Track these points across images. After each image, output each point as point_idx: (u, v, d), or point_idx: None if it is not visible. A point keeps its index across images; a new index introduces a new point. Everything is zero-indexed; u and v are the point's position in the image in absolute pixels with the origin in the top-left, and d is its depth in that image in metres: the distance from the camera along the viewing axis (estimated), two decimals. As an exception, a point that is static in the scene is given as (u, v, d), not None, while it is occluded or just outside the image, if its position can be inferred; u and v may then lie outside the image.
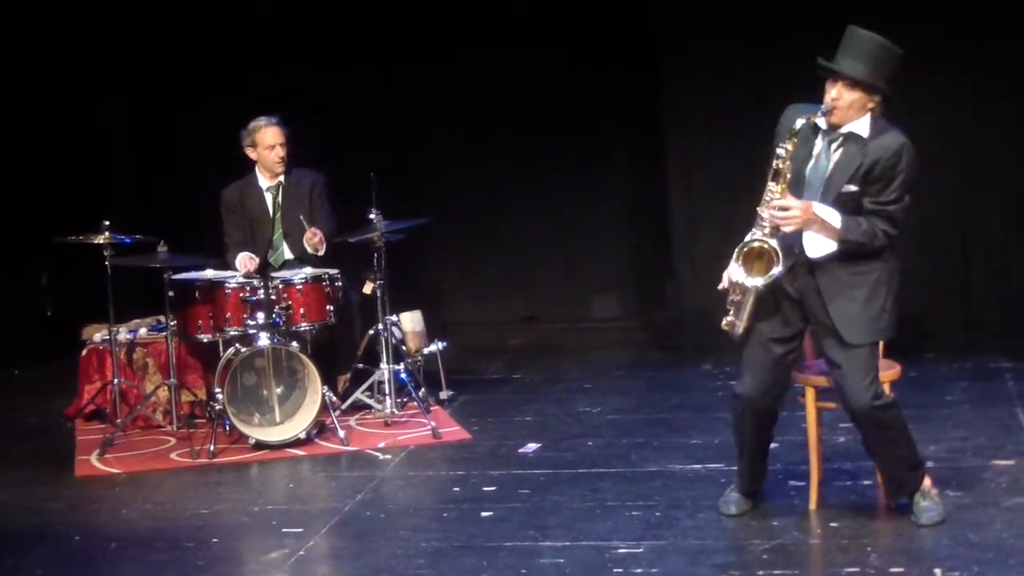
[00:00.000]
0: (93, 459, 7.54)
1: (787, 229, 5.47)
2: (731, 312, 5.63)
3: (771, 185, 5.51)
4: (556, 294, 11.06)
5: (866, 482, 6.26)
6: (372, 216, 7.94)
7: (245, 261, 8.06)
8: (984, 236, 9.27)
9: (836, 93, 5.46)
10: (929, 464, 5.93)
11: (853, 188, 5.48)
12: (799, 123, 5.49)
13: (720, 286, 5.69)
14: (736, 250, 5.55)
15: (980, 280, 9.29)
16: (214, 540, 6.08)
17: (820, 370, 5.88)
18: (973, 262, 9.29)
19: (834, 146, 5.55)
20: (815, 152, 5.57)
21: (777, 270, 5.47)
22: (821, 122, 5.56)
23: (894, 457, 5.68)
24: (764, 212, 5.52)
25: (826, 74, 5.51)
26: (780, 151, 5.50)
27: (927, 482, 5.76)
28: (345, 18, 10.47)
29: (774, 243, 5.48)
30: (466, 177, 10.71)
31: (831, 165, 5.54)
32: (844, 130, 5.52)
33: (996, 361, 8.70)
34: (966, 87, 9.09)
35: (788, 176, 5.50)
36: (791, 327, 5.67)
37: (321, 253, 8.08)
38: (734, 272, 5.56)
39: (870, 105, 5.50)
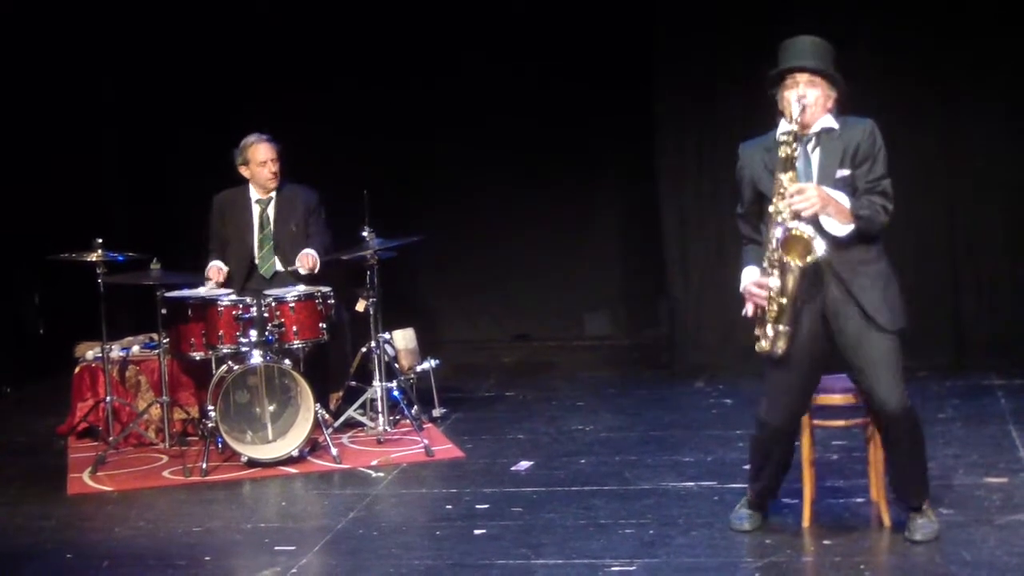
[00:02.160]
0: (85, 477, 7.53)
1: (807, 212, 5.45)
2: (767, 328, 5.56)
3: (781, 177, 5.49)
4: (548, 312, 11.07)
5: (859, 500, 6.27)
6: (365, 234, 7.95)
7: (213, 271, 8.10)
8: (974, 254, 9.28)
9: (801, 90, 5.52)
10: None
11: (846, 172, 5.53)
12: (784, 128, 5.50)
13: (746, 312, 5.66)
14: (769, 250, 5.50)
15: (971, 298, 9.30)
16: (207, 558, 6.07)
17: (820, 387, 5.88)
18: (964, 280, 9.31)
19: (810, 147, 5.59)
20: (792, 159, 5.55)
21: (819, 247, 5.43)
22: (781, 132, 5.55)
23: (912, 465, 5.67)
24: (780, 204, 5.50)
25: (783, 76, 5.56)
26: (782, 138, 5.49)
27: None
28: (335, 36, 10.50)
29: (807, 227, 5.46)
30: (459, 195, 10.73)
31: (815, 162, 5.58)
32: (814, 130, 5.58)
33: (988, 379, 8.72)
34: (957, 109, 9.13)
35: (798, 163, 5.51)
36: (821, 350, 5.63)
37: (315, 272, 8.09)
38: (771, 274, 5.50)
39: (829, 104, 5.59)
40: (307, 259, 8.07)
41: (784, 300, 5.53)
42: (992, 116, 9.13)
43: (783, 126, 5.56)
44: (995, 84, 9.08)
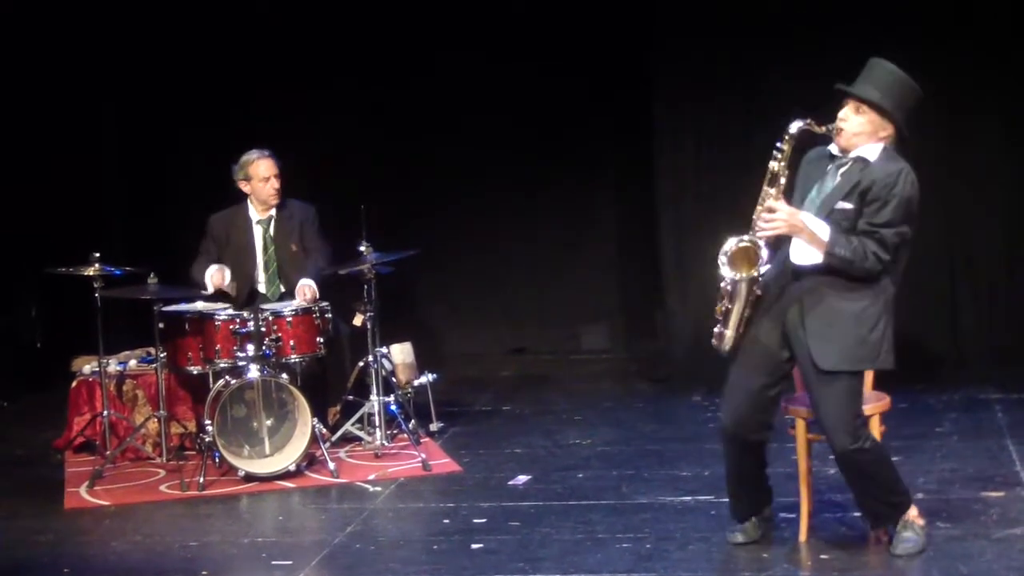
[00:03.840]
0: (82, 491, 7.52)
1: (770, 232, 5.47)
2: (719, 325, 5.65)
3: (766, 188, 5.52)
4: (545, 326, 11.06)
5: (856, 514, 6.24)
6: (362, 248, 7.95)
7: (214, 274, 8.07)
8: (973, 269, 9.30)
9: (843, 114, 5.52)
10: (919, 495, 5.95)
11: (848, 206, 5.48)
12: (795, 125, 5.52)
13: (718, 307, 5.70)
14: (720, 255, 5.55)
15: (969, 312, 9.31)
16: (204, 572, 6.06)
17: (809, 402, 5.88)
18: (961, 294, 9.32)
19: (841, 169, 5.58)
20: (824, 174, 5.61)
21: (763, 255, 5.48)
22: (835, 148, 5.60)
23: (869, 495, 5.69)
24: (756, 211, 5.54)
25: (840, 96, 5.56)
26: (776, 152, 5.52)
27: (912, 512, 5.74)
28: (329, 47, 10.50)
29: (756, 239, 5.50)
30: (456, 209, 10.72)
31: (833, 185, 5.57)
32: (853, 154, 5.55)
33: (985, 392, 8.72)
34: (950, 120, 9.12)
35: (783, 179, 5.51)
36: (775, 358, 5.65)
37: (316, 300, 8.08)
38: (722, 273, 5.57)
39: (883, 134, 5.53)
40: (305, 292, 8.05)
41: (731, 305, 5.55)
42: (991, 128, 9.15)
43: (833, 146, 5.59)
44: (994, 95, 9.10)
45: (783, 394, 5.86)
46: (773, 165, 5.52)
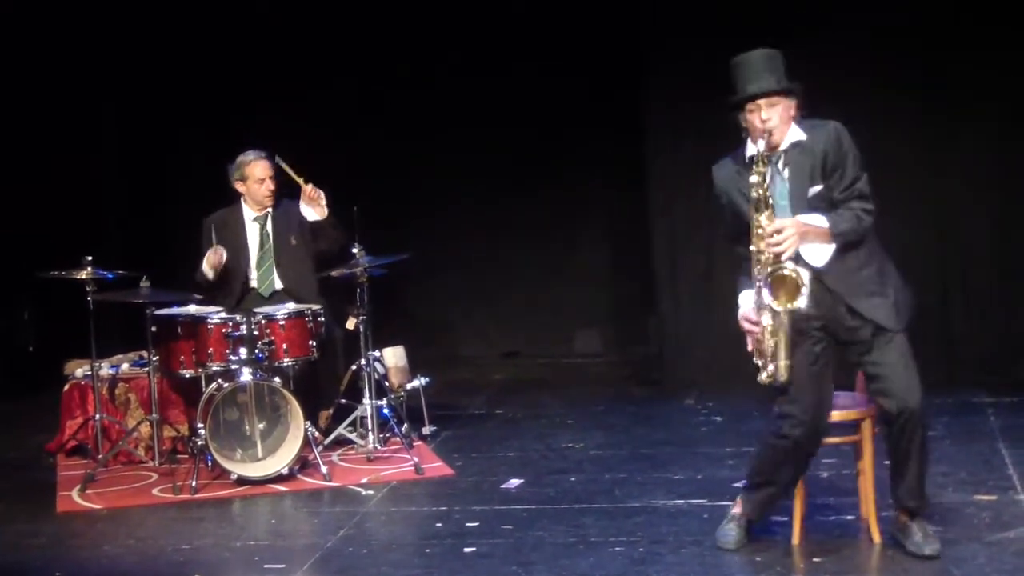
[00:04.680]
0: (74, 495, 7.51)
1: (788, 253, 5.48)
2: (768, 361, 5.58)
3: (757, 217, 5.51)
4: (538, 330, 11.08)
5: (849, 517, 6.27)
6: (355, 251, 7.95)
7: (209, 256, 8.06)
8: (964, 273, 9.30)
9: (765, 115, 5.52)
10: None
11: (818, 187, 5.52)
12: (752, 150, 5.53)
13: (750, 348, 5.65)
14: (757, 288, 5.52)
15: (961, 316, 9.32)
16: (196, 576, 6.07)
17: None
18: (953, 298, 9.33)
19: (781, 164, 5.59)
20: (768, 179, 5.58)
21: (806, 290, 5.45)
22: (752, 150, 5.58)
23: (922, 469, 5.69)
24: (760, 244, 5.52)
25: (743, 104, 5.56)
26: (753, 179, 5.50)
27: None
28: (325, 50, 10.51)
29: (798, 268, 5.47)
30: (449, 214, 10.74)
31: (787, 180, 5.58)
32: (784, 146, 5.57)
33: (978, 396, 8.73)
34: (943, 124, 9.14)
35: (771, 202, 5.52)
36: (821, 357, 5.66)
37: (324, 216, 8.15)
38: (764, 312, 5.52)
39: (792, 113, 5.58)
40: (315, 192, 8.10)
41: (778, 337, 5.55)
42: (982, 133, 9.16)
43: (750, 148, 5.59)
44: (985, 100, 9.11)
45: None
46: (756, 192, 5.51)
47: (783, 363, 5.57)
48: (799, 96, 5.60)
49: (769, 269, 5.48)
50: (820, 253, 5.55)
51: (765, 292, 5.49)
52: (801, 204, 5.54)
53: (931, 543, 5.68)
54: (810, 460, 5.86)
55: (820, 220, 5.51)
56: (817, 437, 5.74)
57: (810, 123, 5.61)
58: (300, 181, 8.19)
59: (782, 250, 5.47)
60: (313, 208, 8.22)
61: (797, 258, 5.52)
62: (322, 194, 8.20)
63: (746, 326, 5.63)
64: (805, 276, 5.46)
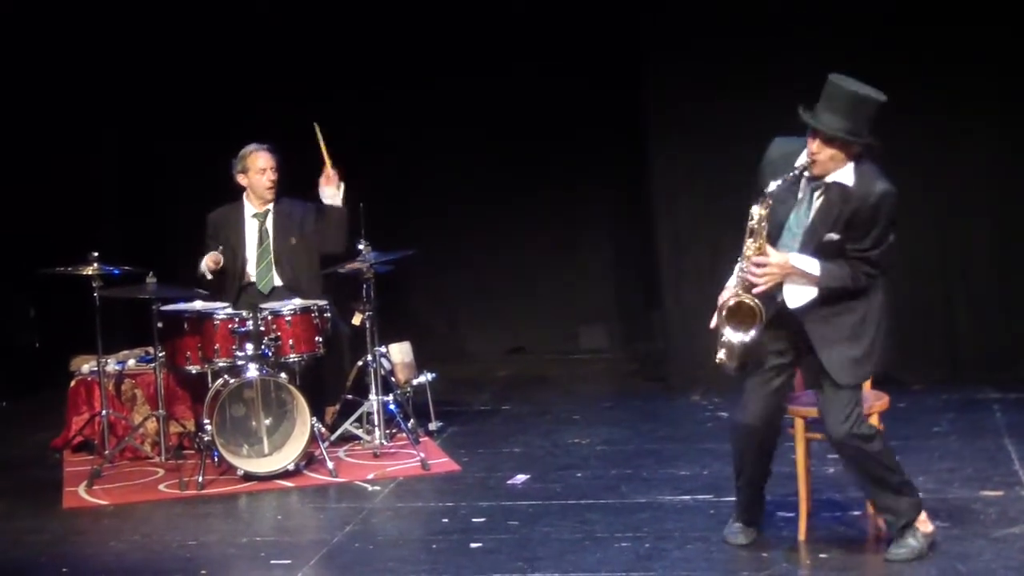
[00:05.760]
0: (81, 491, 7.52)
1: (759, 289, 5.47)
2: (723, 351, 5.60)
3: (748, 241, 5.50)
4: (544, 326, 11.07)
5: (855, 513, 6.27)
6: (361, 247, 7.95)
7: (206, 261, 8.07)
8: (968, 268, 9.29)
9: (816, 148, 5.43)
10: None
11: (835, 237, 5.47)
12: (773, 186, 5.44)
13: (712, 324, 5.67)
14: (719, 310, 5.54)
15: (966, 312, 9.30)
16: (202, 572, 6.06)
17: (809, 401, 5.89)
18: (957, 294, 9.31)
19: (816, 194, 5.52)
20: (799, 198, 5.54)
21: (761, 326, 5.47)
22: (803, 159, 5.51)
23: (876, 484, 5.65)
24: (742, 264, 5.52)
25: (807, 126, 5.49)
26: (753, 212, 5.47)
27: (922, 517, 5.71)
28: (327, 49, 10.51)
29: (756, 301, 5.48)
30: (455, 209, 10.74)
31: (812, 214, 5.52)
32: (828, 179, 5.48)
33: (983, 392, 8.73)
34: (945, 125, 9.13)
35: (764, 234, 5.49)
36: (786, 356, 5.68)
37: (337, 204, 8.18)
38: (721, 326, 5.55)
39: (852, 152, 5.46)
40: (331, 178, 8.17)
41: (731, 347, 5.55)
42: (987, 130, 9.15)
43: (803, 158, 5.48)
44: (987, 99, 9.09)
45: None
46: (752, 225, 5.48)
47: (733, 363, 5.59)
48: (868, 150, 5.48)
49: (734, 293, 5.50)
50: (800, 295, 5.52)
51: (720, 315, 5.52)
52: (812, 243, 5.50)
53: (894, 549, 5.66)
54: (771, 454, 5.84)
55: (813, 267, 5.46)
56: (765, 442, 5.77)
57: (867, 171, 5.47)
58: (326, 156, 8.18)
59: (757, 282, 5.47)
60: (329, 189, 8.21)
61: (775, 295, 5.53)
62: (341, 182, 8.19)
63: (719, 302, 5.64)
64: (764, 312, 5.47)
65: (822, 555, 5.79)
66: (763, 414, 5.71)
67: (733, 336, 5.51)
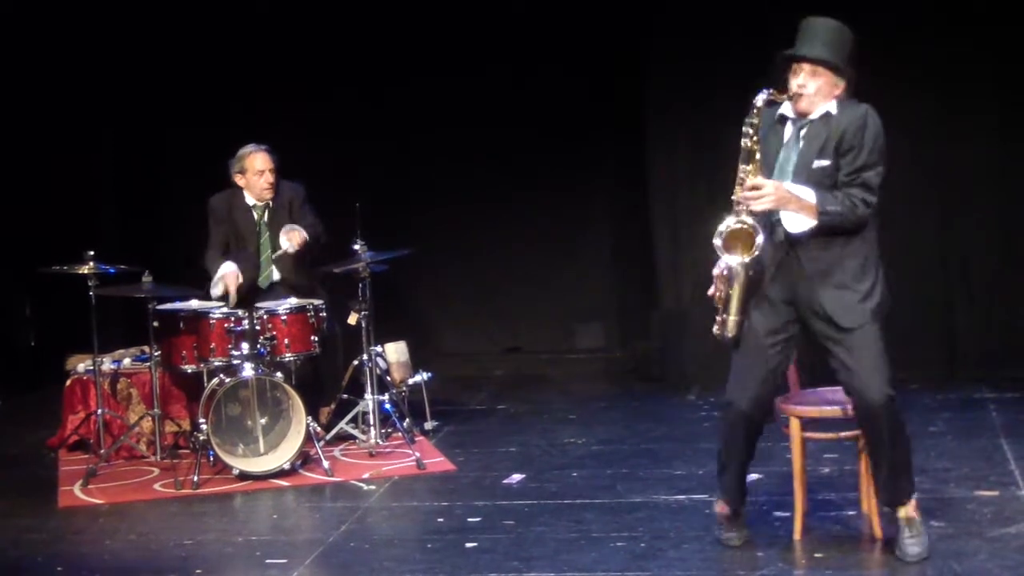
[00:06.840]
0: (76, 490, 7.52)
1: (759, 208, 5.43)
2: (719, 313, 5.59)
3: (743, 167, 5.49)
4: (540, 325, 11.07)
5: (850, 512, 6.27)
6: (356, 246, 7.95)
7: (229, 278, 8.02)
8: (966, 269, 9.30)
9: (802, 79, 5.49)
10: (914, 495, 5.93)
11: (825, 162, 5.46)
12: (760, 98, 5.47)
13: (710, 291, 5.66)
14: (715, 236, 5.50)
15: (963, 312, 9.32)
16: (198, 571, 6.06)
17: (806, 401, 5.89)
18: (955, 294, 9.32)
19: (803, 132, 5.55)
20: (785, 140, 5.57)
21: (760, 240, 5.43)
22: (788, 110, 5.57)
23: (899, 461, 5.58)
24: (738, 193, 5.50)
25: (789, 62, 5.53)
26: (746, 128, 5.48)
27: (912, 504, 5.68)
28: (325, 46, 10.51)
29: (750, 220, 5.45)
30: (451, 208, 10.73)
31: (801, 145, 5.54)
32: (813, 116, 5.53)
33: (979, 392, 8.73)
34: (946, 120, 9.13)
35: (758, 155, 5.48)
36: (781, 332, 5.61)
37: (303, 248, 8.08)
38: (721, 259, 5.53)
39: (836, 92, 5.52)
40: (295, 234, 8.06)
41: (731, 291, 5.53)
42: (986, 127, 9.15)
43: (785, 107, 5.54)
44: (990, 94, 9.10)
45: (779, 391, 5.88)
46: (746, 142, 5.49)
47: (732, 318, 5.56)
48: (849, 79, 5.52)
49: (730, 220, 5.47)
50: (800, 222, 5.46)
51: (718, 243, 5.48)
52: (804, 173, 5.49)
53: (913, 545, 5.61)
54: (757, 437, 5.78)
55: (809, 194, 5.43)
56: (751, 424, 5.70)
57: (845, 104, 5.53)
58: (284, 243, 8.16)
59: (755, 205, 5.43)
60: (285, 239, 8.15)
61: (777, 222, 5.49)
62: (303, 235, 8.13)
63: (714, 273, 5.62)
64: (760, 233, 5.43)
65: (817, 554, 5.79)
66: (758, 396, 5.64)
67: (732, 260, 5.48)
